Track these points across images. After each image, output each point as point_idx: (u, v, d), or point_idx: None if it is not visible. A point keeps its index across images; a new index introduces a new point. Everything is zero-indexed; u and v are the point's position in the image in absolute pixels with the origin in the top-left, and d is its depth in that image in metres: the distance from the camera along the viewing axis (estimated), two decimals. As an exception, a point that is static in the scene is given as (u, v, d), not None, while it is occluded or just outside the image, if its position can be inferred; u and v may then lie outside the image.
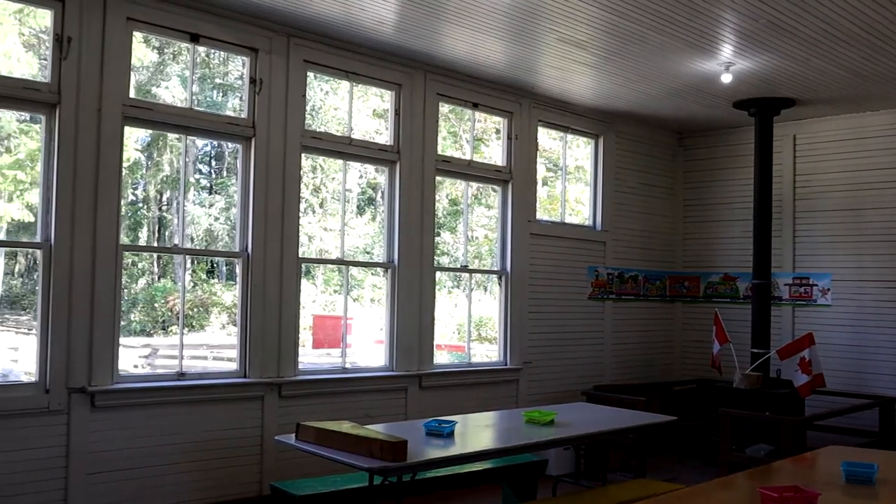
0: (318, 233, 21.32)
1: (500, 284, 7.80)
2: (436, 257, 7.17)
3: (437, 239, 7.43)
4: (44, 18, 14.11)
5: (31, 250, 17.57)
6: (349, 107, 7.50)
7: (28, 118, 16.01)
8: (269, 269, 5.97)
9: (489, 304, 18.81)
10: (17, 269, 22.95)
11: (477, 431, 5.14)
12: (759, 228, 8.02)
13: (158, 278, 23.14)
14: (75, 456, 5.06)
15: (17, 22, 15.47)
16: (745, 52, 6.41)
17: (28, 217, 15.54)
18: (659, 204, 9.38)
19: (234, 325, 17.96)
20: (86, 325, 5.13)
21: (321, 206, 22.39)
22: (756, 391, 7.57)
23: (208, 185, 24.75)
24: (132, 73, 5.63)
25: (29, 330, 18.12)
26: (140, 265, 22.83)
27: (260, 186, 5.96)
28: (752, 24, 5.78)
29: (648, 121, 8.93)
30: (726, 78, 6.87)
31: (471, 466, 5.61)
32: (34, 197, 15.13)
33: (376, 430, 4.47)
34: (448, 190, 19.84)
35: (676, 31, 5.96)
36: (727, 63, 6.65)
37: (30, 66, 15.41)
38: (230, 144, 19.15)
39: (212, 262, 23.36)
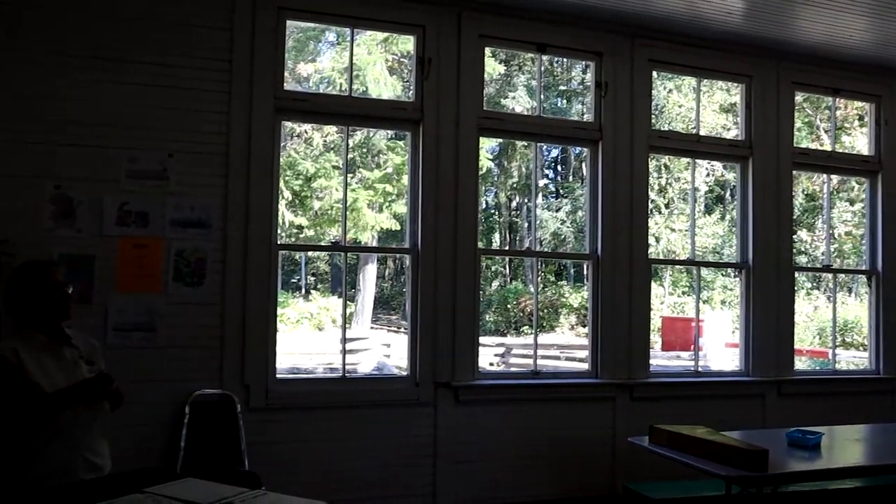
0: (664, 233, 21.00)
1: (869, 285, 7.11)
2: (793, 256, 6.73)
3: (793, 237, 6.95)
4: (406, 44, 15.47)
5: (399, 256, 19.31)
6: (696, 103, 7.29)
7: (393, 135, 17.60)
8: (619, 271, 5.98)
9: (854, 307, 17.27)
10: (386, 274, 25.30)
11: (846, 445, 4.73)
12: None
13: (510, 280, 24.24)
14: (442, 445, 5.46)
15: (384, 51, 17.06)
16: None
17: (395, 226, 17.08)
18: None
19: (583, 325, 18.18)
20: (449, 324, 5.52)
21: (667, 206, 22.03)
22: None
23: (555, 189, 25.46)
24: (484, 87, 5.95)
25: (398, 328, 19.91)
26: (493, 268, 24.07)
27: (608, 188, 6.00)
28: None
29: None
30: None
31: (839, 483, 5.19)
32: (401, 207, 16.60)
33: (732, 437, 4.29)
34: (804, 184, 18.53)
35: None
36: None
37: (394, 88, 16.91)
38: (576, 149, 19.58)
39: (560, 264, 23.99)
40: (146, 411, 4.69)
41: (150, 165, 4.88)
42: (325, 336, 17.27)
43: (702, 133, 6.60)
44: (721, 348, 14.52)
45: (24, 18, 4.69)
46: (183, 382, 4.88)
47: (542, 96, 6.60)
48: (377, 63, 16.68)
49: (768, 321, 6.44)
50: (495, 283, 23.91)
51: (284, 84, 5.31)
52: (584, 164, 21.56)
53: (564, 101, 23.32)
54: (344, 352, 5.76)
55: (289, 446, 5.09)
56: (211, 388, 4.95)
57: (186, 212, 4.95)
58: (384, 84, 16.57)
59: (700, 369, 6.69)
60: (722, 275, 20.35)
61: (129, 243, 4.83)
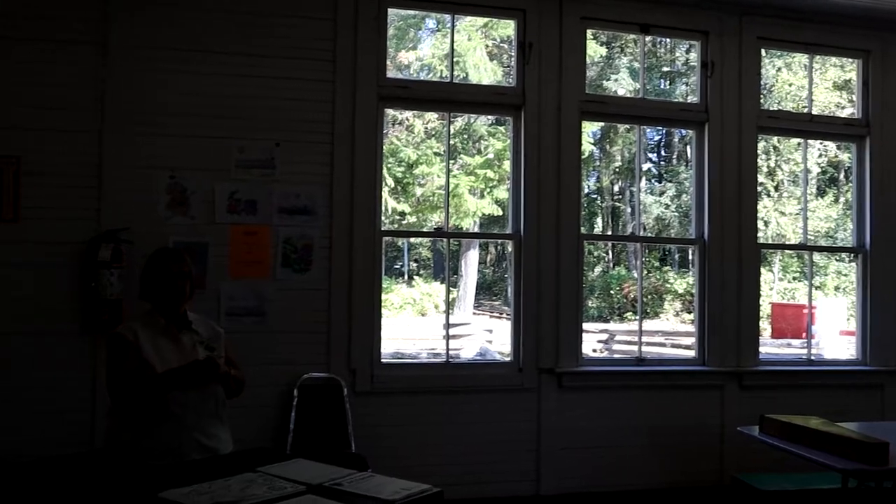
0: (773, 217, 20.34)
1: None
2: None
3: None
4: (506, 29, 15.41)
5: (501, 241, 19.32)
6: (808, 81, 7.01)
7: (494, 121, 17.58)
8: (727, 256, 5.82)
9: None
10: (488, 259, 25.35)
11: (974, 438, 4.48)
12: None
13: (613, 266, 23.94)
14: (545, 431, 5.44)
15: (484, 36, 17.03)
16: None
17: (497, 211, 17.07)
18: None
19: (689, 312, 17.76)
20: (552, 310, 5.48)
21: (776, 189, 21.33)
22: None
23: (658, 173, 24.97)
24: (586, 70, 5.87)
25: (500, 314, 19.93)
26: (595, 254, 23.81)
27: (714, 171, 5.84)
28: None
29: None
30: None
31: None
32: (502, 192, 16.58)
33: (848, 428, 4.13)
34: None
35: None
36: None
37: (494, 74, 16.87)
38: (680, 131, 19.15)
39: (664, 249, 23.54)
40: (257, 394, 4.83)
41: (258, 155, 5.02)
42: (427, 321, 17.44)
43: (814, 112, 6.34)
44: (835, 336, 13.98)
45: (138, 17, 4.88)
46: (291, 366, 5.01)
47: (644, 78, 6.46)
48: (477, 49, 16.66)
49: (888, 307, 6.15)
50: (598, 269, 23.65)
51: (386, 72, 5.36)
52: (688, 147, 21.06)
53: (668, 83, 22.82)
54: (447, 337, 5.80)
55: (394, 429, 5.18)
56: (318, 372, 5.07)
57: (293, 199, 5.07)
58: (484, 70, 16.54)
59: (813, 357, 6.45)
60: (836, 260, 19.56)
61: (239, 230, 4.99)
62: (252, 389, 4.43)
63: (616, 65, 21.76)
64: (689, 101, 6.05)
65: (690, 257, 19.84)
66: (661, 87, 22.52)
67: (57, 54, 4.77)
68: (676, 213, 22.05)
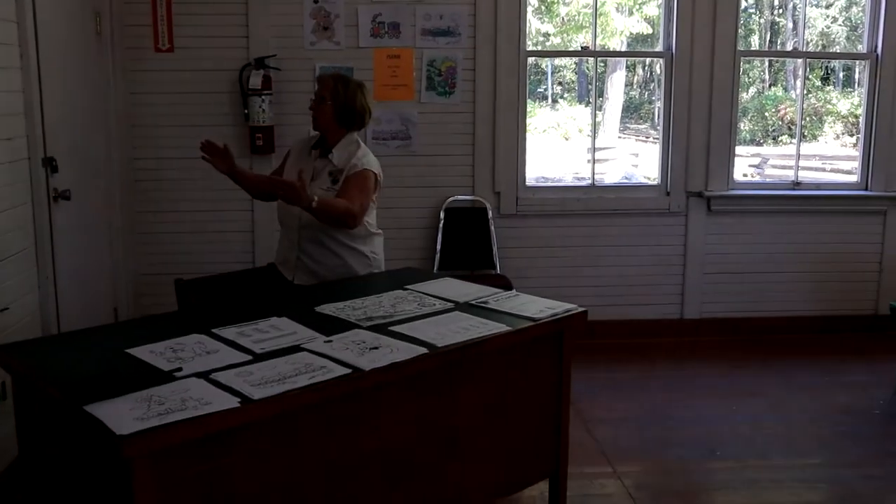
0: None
1: None
2: None
3: None
4: None
5: (649, 62, 18.51)
6: None
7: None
8: (901, 72, 5.36)
9: None
10: (635, 81, 24.44)
11: None
12: None
13: (769, 86, 22.59)
14: (692, 255, 5.38)
15: None
16: None
17: (646, 29, 16.23)
18: None
19: (851, 135, 16.65)
20: (703, 132, 5.27)
21: (963, -4, 19.22)
22: None
23: (826, -18, 22.91)
24: None
25: (646, 138, 19.39)
26: (751, 74, 22.47)
27: (893, -23, 5.28)
28: None
29: None
30: None
31: None
32: (652, 9, 15.70)
33: None
34: None
35: None
36: None
37: None
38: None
39: (827, 68, 21.90)
40: (404, 215, 4.99)
41: (401, -25, 4.92)
42: (571, 145, 17.23)
43: None
44: None
45: None
46: (437, 188, 5.10)
47: None
48: None
49: None
50: (751, 90, 22.40)
51: None
52: (863, -48, 19.09)
53: None
54: (593, 160, 5.71)
55: (538, 251, 5.24)
56: (464, 195, 5.14)
57: (436, 21, 4.98)
58: None
59: None
60: None
61: (383, 54, 4.98)
62: (399, 211, 4.58)
63: None
64: None
65: (857, 76, 18.44)
66: None
67: None
68: (844, 27, 20.33)
